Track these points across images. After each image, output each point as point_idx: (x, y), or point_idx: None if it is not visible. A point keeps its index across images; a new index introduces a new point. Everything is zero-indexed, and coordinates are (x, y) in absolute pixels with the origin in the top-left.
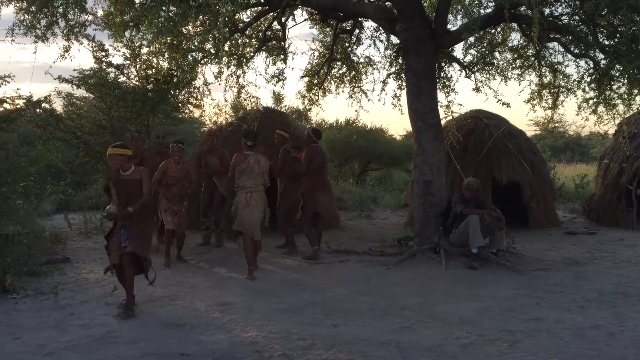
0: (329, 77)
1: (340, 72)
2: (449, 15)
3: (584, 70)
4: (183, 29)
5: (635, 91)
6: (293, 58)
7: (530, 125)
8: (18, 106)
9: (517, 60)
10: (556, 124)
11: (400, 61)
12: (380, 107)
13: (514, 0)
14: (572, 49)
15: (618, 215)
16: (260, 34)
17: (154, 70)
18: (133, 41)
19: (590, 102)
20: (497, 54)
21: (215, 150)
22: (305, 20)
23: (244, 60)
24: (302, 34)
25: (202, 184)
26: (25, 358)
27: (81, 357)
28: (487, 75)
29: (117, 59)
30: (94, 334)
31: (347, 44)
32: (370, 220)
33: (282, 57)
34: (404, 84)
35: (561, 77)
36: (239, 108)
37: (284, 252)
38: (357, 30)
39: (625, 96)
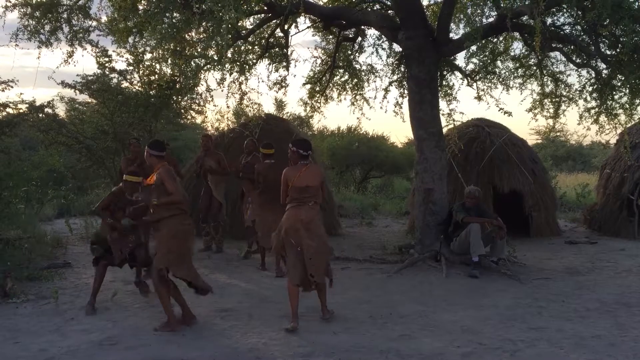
0: (331, 85)
1: (343, 79)
2: (451, 24)
3: (586, 80)
4: (186, 36)
5: (637, 101)
6: (295, 65)
7: (531, 134)
8: (21, 111)
9: (519, 69)
10: (558, 133)
11: (402, 69)
12: (382, 114)
13: (516, 10)
14: (574, 58)
15: (619, 225)
16: (263, 41)
17: (156, 76)
18: (136, 47)
19: (592, 111)
20: (499, 63)
21: (212, 153)
22: (308, 27)
23: (247, 67)
24: (305, 41)
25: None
26: None
27: None
28: (489, 84)
29: (120, 65)
30: (95, 339)
31: (349, 52)
32: (371, 228)
33: (284, 64)
34: (405, 92)
35: (563, 86)
36: (241, 114)
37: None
38: (359, 38)
39: (627, 106)
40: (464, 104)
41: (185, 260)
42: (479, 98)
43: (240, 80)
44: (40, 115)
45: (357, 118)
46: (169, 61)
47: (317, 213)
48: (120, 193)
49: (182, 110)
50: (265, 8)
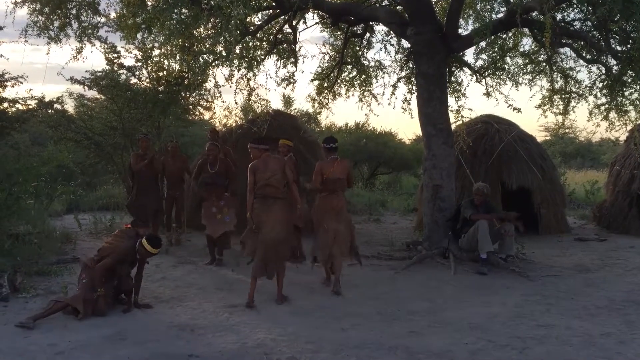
0: (339, 81)
1: (351, 75)
2: (461, 20)
3: (596, 76)
4: (195, 32)
5: None
6: (304, 61)
7: (540, 130)
8: (30, 107)
9: (529, 66)
10: (567, 130)
11: (410, 65)
12: (390, 111)
13: (526, 5)
14: (584, 54)
15: (629, 222)
16: (271, 37)
17: (165, 72)
18: (145, 43)
19: (602, 108)
20: (508, 59)
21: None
22: (317, 23)
23: (255, 63)
24: (313, 37)
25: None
26: (36, 357)
27: (91, 357)
28: (498, 80)
29: (128, 61)
30: (104, 334)
31: (357, 48)
32: (379, 224)
33: (292, 60)
34: (414, 88)
35: (572, 82)
36: (249, 111)
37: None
38: (368, 34)
39: (638, 102)
40: (472, 100)
41: None
42: (487, 94)
43: (248, 77)
44: (50, 111)
45: (365, 114)
46: (178, 57)
47: (344, 200)
48: (128, 252)
49: (191, 107)
50: (274, 4)
